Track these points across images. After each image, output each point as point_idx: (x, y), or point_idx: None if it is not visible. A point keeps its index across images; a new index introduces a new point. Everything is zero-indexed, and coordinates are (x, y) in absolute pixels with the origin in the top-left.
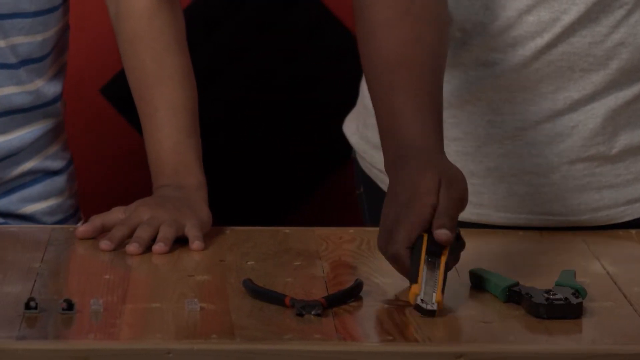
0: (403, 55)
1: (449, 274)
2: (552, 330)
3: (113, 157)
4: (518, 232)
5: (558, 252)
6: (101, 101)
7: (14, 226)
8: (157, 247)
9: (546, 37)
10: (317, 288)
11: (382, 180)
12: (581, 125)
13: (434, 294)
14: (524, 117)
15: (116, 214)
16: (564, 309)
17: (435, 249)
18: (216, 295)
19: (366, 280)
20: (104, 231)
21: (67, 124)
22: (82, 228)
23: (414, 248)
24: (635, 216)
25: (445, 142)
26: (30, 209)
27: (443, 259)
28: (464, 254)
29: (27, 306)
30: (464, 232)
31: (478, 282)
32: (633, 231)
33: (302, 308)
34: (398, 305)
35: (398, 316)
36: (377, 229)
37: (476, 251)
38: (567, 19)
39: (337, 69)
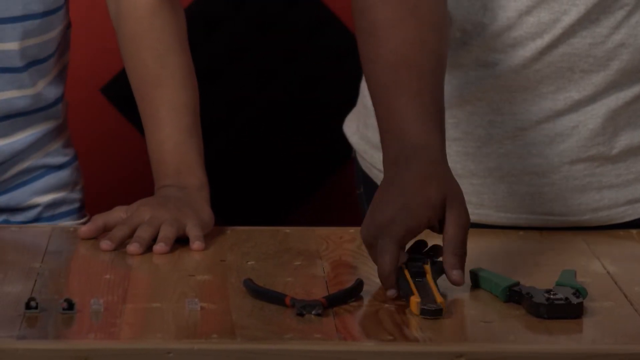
0: (405, 55)
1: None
2: (552, 330)
3: (115, 156)
4: (518, 232)
5: (558, 252)
6: (102, 101)
7: (15, 226)
8: (158, 247)
9: (546, 38)
10: (317, 288)
11: None
12: (582, 125)
13: (434, 297)
14: (524, 117)
15: (117, 214)
16: (565, 308)
17: (418, 271)
18: (217, 295)
19: (367, 279)
20: (105, 230)
21: (69, 123)
22: (84, 228)
23: (399, 277)
24: (636, 216)
25: (445, 142)
26: (34, 202)
27: (427, 268)
28: None
29: (28, 306)
30: None
31: (478, 282)
32: (634, 231)
33: (302, 308)
34: (398, 305)
35: (398, 316)
36: None
37: (476, 251)
38: (567, 20)
39: (338, 68)
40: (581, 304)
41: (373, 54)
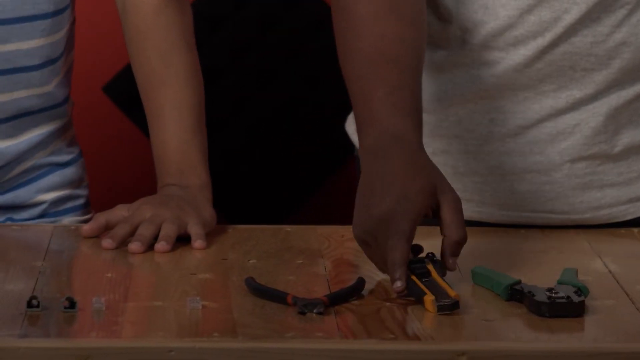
0: (385, 50)
1: (451, 274)
2: (554, 328)
3: (118, 155)
4: (520, 231)
5: (560, 251)
6: (105, 99)
7: (17, 224)
8: (160, 245)
9: (548, 37)
10: (319, 286)
11: None
12: (583, 123)
13: (447, 292)
14: (525, 115)
15: (119, 212)
16: (566, 307)
17: (423, 271)
18: (218, 294)
19: (368, 278)
20: (107, 229)
21: (73, 121)
22: (87, 227)
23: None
24: (638, 214)
25: (447, 140)
26: (39, 199)
27: (430, 267)
28: (466, 253)
29: (29, 304)
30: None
31: (480, 281)
32: (635, 229)
33: (304, 306)
34: (400, 304)
35: (400, 314)
36: None
37: (478, 249)
38: (568, 18)
39: (339, 68)
40: (583, 302)
41: (352, 48)
